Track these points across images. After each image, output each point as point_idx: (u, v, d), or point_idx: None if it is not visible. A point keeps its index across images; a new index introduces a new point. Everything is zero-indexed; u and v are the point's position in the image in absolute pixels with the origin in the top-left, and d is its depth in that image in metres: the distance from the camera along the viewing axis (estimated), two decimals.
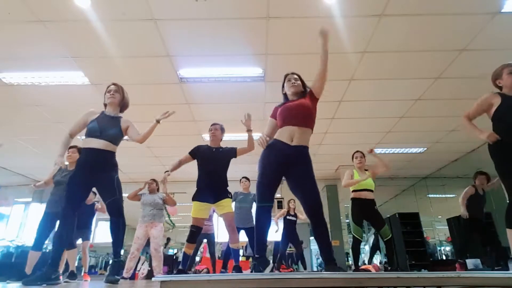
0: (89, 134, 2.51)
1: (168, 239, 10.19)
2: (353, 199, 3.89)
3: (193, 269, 6.42)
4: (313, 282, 1.35)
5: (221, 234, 7.54)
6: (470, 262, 4.85)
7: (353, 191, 3.91)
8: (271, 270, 2.10)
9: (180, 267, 3.33)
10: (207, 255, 7.07)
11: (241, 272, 3.51)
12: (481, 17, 3.27)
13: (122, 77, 4.18)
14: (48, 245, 6.12)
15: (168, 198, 4.63)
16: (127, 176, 8.21)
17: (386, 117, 5.47)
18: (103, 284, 2.40)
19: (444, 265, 6.95)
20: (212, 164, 3.18)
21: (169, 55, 3.83)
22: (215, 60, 3.94)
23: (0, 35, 3.43)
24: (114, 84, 2.72)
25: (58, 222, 3.44)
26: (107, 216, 2.62)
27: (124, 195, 4.52)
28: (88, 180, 2.46)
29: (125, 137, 2.75)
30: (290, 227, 5.88)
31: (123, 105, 2.75)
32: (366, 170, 4.01)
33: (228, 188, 3.26)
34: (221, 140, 3.42)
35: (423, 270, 6.47)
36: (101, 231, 8.87)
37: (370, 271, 4.26)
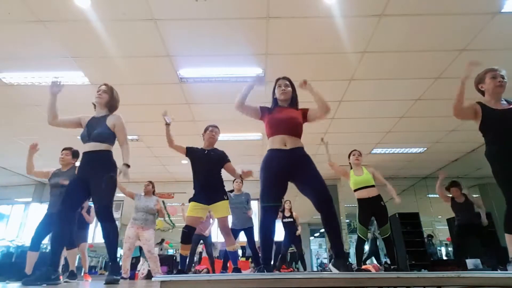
0: (82, 141, 2.58)
1: (162, 240, 10.17)
2: (359, 200, 3.87)
3: (193, 269, 6.42)
4: (313, 282, 1.35)
5: (220, 234, 7.54)
6: (470, 262, 4.85)
7: (355, 190, 3.90)
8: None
9: (179, 267, 3.32)
10: (206, 254, 7.07)
11: (241, 273, 3.51)
12: (481, 17, 3.27)
13: (122, 77, 4.19)
14: (47, 245, 6.12)
15: (160, 210, 4.65)
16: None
17: (386, 117, 5.47)
18: (104, 284, 2.39)
19: (444, 265, 6.95)
20: (205, 166, 3.18)
21: (169, 55, 3.83)
22: (215, 60, 3.94)
23: (0, 35, 3.43)
24: (105, 84, 2.71)
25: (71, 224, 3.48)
26: None
27: (123, 195, 4.55)
28: (84, 183, 2.46)
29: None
30: (290, 228, 5.88)
31: (111, 106, 2.71)
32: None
33: (224, 188, 3.25)
34: (215, 142, 3.41)
35: (423, 270, 6.47)
36: (101, 231, 8.86)
37: (370, 271, 4.26)
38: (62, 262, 4.06)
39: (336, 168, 3.90)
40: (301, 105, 2.49)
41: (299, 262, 6.57)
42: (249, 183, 5.20)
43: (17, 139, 6.08)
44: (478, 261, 4.94)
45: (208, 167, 3.17)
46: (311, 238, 15.93)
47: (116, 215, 8.42)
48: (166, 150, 7.10)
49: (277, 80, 2.50)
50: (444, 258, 10.56)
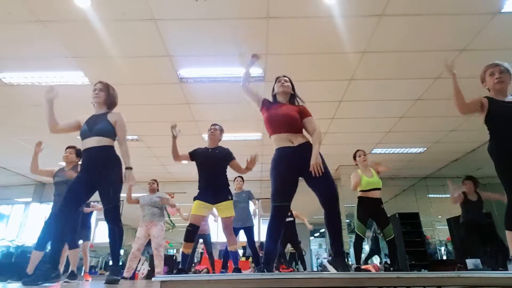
0: (82, 137, 2.53)
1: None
2: (360, 198, 3.87)
3: (193, 269, 6.43)
4: (313, 282, 1.35)
5: (219, 234, 7.55)
6: (470, 262, 4.84)
7: (361, 191, 3.88)
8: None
9: (180, 266, 3.33)
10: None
11: (241, 273, 3.51)
12: (481, 17, 3.27)
13: (122, 77, 4.19)
14: (49, 245, 6.11)
15: (166, 202, 4.64)
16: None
17: (386, 117, 5.47)
18: (104, 284, 2.39)
19: (444, 265, 6.95)
20: (210, 164, 3.18)
21: (169, 55, 3.83)
22: (215, 60, 3.94)
23: (0, 35, 3.43)
24: (100, 82, 2.68)
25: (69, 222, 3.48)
26: None
27: (124, 195, 4.55)
28: (89, 180, 2.43)
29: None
30: (288, 227, 5.86)
31: (110, 103, 2.68)
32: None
33: (229, 187, 3.25)
34: (219, 140, 3.41)
35: (423, 270, 6.47)
36: (101, 231, 8.87)
37: (370, 271, 4.26)
38: (64, 261, 4.07)
39: (356, 183, 3.88)
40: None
41: (299, 262, 6.57)
42: (247, 183, 5.20)
43: (17, 139, 6.08)
44: (478, 261, 4.93)
45: (212, 166, 3.17)
46: (311, 238, 15.92)
47: (120, 216, 8.41)
48: (166, 150, 7.10)
49: (277, 77, 2.53)
50: (444, 258, 10.56)
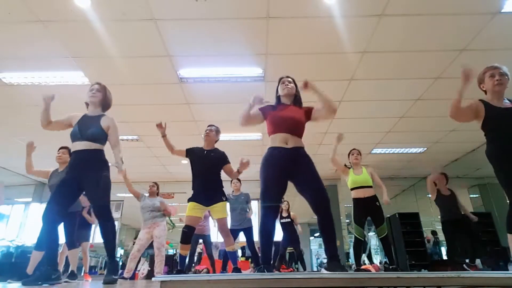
0: (72, 139, 2.52)
1: None
2: (355, 200, 3.88)
3: (193, 269, 6.43)
4: (313, 282, 1.35)
5: (219, 234, 7.54)
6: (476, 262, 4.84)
7: (352, 189, 3.90)
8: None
9: (178, 268, 3.33)
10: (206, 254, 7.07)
11: (241, 273, 3.51)
12: (481, 17, 3.27)
13: (122, 77, 4.19)
14: None
15: (166, 209, 4.65)
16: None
17: (386, 117, 5.47)
18: (102, 284, 2.38)
19: (444, 265, 6.94)
20: (204, 166, 3.17)
21: (169, 55, 3.83)
22: (215, 60, 3.94)
23: (0, 35, 3.43)
24: (97, 83, 2.70)
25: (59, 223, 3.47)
26: None
27: (124, 195, 4.55)
28: (75, 182, 2.43)
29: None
30: (287, 228, 5.87)
31: (104, 105, 2.69)
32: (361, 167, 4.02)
33: (223, 189, 3.24)
34: (216, 141, 3.39)
35: (423, 270, 6.47)
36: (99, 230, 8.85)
37: (370, 271, 4.26)
38: (63, 261, 4.07)
39: (338, 163, 3.84)
40: (305, 105, 2.47)
41: (299, 262, 6.57)
42: (246, 183, 5.21)
43: (17, 139, 6.08)
44: (478, 261, 4.93)
45: (206, 167, 3.17)
46: (311, 238, 15.93)
47: (116, 215, 8.42)
48: (166, 150, 7.10)
49: (281, 78, 2.50)
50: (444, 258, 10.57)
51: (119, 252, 13.13)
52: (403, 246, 7.15)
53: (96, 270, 11.17)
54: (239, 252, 8.61)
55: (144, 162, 7.39)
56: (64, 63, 3.89)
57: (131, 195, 4.65)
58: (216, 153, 3.29)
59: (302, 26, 3.39)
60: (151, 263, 5.93)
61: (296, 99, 2.44)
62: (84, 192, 2.54)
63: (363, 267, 4.58)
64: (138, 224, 4.61)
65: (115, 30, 3.40)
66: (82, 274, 4.84)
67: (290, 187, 2.23)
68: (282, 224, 5.94)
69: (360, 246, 3.88)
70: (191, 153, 3.28)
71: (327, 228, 2.08)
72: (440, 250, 7.38)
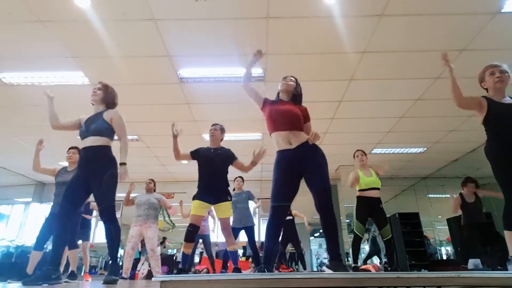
0: (81, 137, 2.56)
1: (164, 238, 10.17)
2: (359, 197, 3.89)
3: (193, 269, 6.43)
4: (313, 282, 1.35)
5: (218, 234, 7.54)
6: (470, 262, 4.84)
7: (360, 190, 3.90)
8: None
9: (180, 266, 3.33)
10: (206, 254, 7.07)
11: (241, 272, 3.51)
12: (481, 17, 3.27)
13: (122, 77, 4.19)
14: (48, 245, 6.13)
15: (164, 204, 4.64)
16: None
17: (386, 117, 5.47)
18: (102, 284, 2.38)
19: (444, 265, 6.95)
20: (211, 165, 3.17)
21: (169, 55, 3.83)
22: (215, 60, 3.94)
23: (0, 35, 3.43)
24: (99, 82, 2.72)
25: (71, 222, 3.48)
26: None
27: (124, 195, 4.55)
28: (85, 180, 2.44)
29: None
30: (289, 227, 5.86)
31: (107, 103, 2.69)
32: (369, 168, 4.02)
33: (228, 188, 3.25)
34: (221, 140, 3.40)
35: (423, 270, 6.47)
36: (101, 231, 8.86)
37: (370, 271, 4.26)
38: (64, 261, 4.07)
39: (354, 182, 3.90)
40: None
41: (299, 262, 6.57)
42: (247, 183, 5.21)
43: (17, 139, 6.08)
44: (478, 261, 4.92)
45: (213, 166, 3.16)
46: (311, 238, 15.93)
47: (116, 215, 8.40)
48: (166, 150, 7.14)
49: (285, 77, 2.51)
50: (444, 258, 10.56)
51: (119, 252, 13.14)
52: (403, 246, 7.15)
53: (96, 270, 11.17)
54: (239, 252, 8.61)
55: (144, 162, 7.39)
56: (64, 63, 3.89)
57: (131, 195, 4.64)
58: (223, 151, 3.29)
59: (302, 26, 3.39)
60: None
61: (295, 98, 2.44)
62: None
63: (363, 266, 4.58)
64: None
65: (115, 30, 3.40)
66: (82, 274, 4.85)
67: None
68: (285, 221, 5.93)
69: (359, 243, 3.88)
70: (197, 154, 3.28)
71: (330, 228, 2.09)
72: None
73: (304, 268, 6.33)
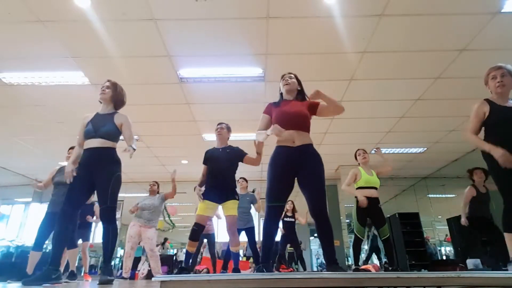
0: (86, 136, 2.52)
1: (165, 239, 10.18)
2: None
3: (193, 269, 6.43)
4: (313, 282, 1.35)
5: (221, 234, 7.55)
6: (470, 262, 4.84)
7: (358, 188, 3.90)
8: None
9: (183, 265, 3.32)
10: (206, 254, 7.07)
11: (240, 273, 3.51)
12: (481, 17, 3.27)
13: (122, 77, 4.18)
14: (48, 245, 6.13)
15: (168, 194, 4.61)
16: (127, 176, 8.21)
17: (386, 117, 5.47)
18: (97, 285, 2.38)
19: (444, 265, 6.95)
20: (218, 164, 3.17)
21: (169, 55, 3.83)
22: (215, 60, 3.94)
23: (0, 35, 3.43)
24: (108, 80, 2.68)
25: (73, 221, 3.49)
26: None
27: (124, 195, 4.55)
28: (88, 180, 2.44)
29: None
30: (289, 228, 5.88)
31: (116, 101, 2.67)
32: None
33: (236, 188, 3.25)
34: (228, 139, 3.39)
35: (423, 270, 6.47)
36: (101, 231, 8.86)
37: (370, 271, 4.26)
38: (65, 262, 4.07)
39: (351, 187, 3.94)
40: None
41: (299, 262, 6.58)
42: (252, 182, 5.22)
43: (17, 139, 6.08)
44: (478, 261, 4.93)
45: (220, 165, 3.16)
46: (311, 238, 15.91)
47: (116, 215, 8.40)
48: (166, 150, 7.14)
49: (282, 76, 2.47)
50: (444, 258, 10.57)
51: (119, 252, 13.13)
52: (403, 246, 7.15)
53: (96, 270, 11.17)
54: (241, 252, 8.61)
55: (144, 162, 7.39)
56: (64, 63, 3.89)
57: (131, 195, 4.65)
58: (232, 149, 3.28)
59: (302, 26, 3.39)
60: None
61: (299, 94, 2.41)
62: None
63: (363, 266, 4.58)
64: None
65: (115, 30, 3.40)
66: (82, 274, 4.85)
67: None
68: (284, 222, 5.94)
69: (360, 244, 3.89)
70: (206, 159, 3.29)
71: (325, 232, 2.08)
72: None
73: (304, 269, 6.33)
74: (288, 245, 6.52)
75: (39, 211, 8.62)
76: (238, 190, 4.80)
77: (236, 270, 3.40)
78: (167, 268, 6.86)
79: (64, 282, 3.65)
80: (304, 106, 2.30)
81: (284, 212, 6.07)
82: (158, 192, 4.74)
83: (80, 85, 4.32)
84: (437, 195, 9.45)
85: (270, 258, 2.17)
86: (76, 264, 4.14)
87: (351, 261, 8.32)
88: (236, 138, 6.07)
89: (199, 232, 3.11)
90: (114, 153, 2.55)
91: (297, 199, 5.43)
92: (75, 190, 2.42)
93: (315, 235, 16.57)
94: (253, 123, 5.87)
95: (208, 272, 5.87)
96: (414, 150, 6.99)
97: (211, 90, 4.56)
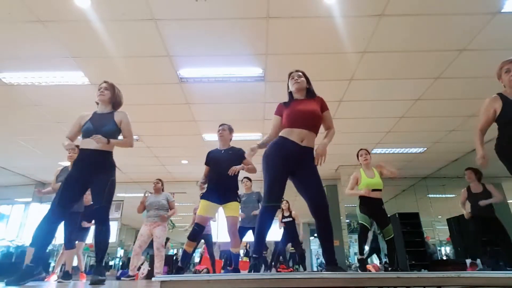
0: (85, 135, 2.51)
1: (167, 239, 10.18)
2: (361, 197, 3.86)
3: (193, 269, 6.44)
4: (313, 282, 1.35)
5: (220, 235, 7.55)
6: (469, 262, 4.83)
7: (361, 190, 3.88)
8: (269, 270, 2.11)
9: (179, 265, 3.32)
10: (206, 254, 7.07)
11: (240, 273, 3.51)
12: (481, 17, 3.27)
13: (122, 77, 4.19)
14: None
15: (172, 206, 4.67)
16: (127, 176, 8.21)
17: (386, 117, 5.47)
18: (89, 285, 2.37)
19: (444, 265, 6.95)
20: (220, 166, 3.17)
21: (169, 55, 3.83)
22: (215, 60, 3.94)
23: (0, 35, 3.43)
24: (105, 82, 2.69)
25: (61, 222, 3.48)
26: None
27: (124, 195, 4.56)
28: (83, 181, 2.43)
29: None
30: (288, 227, 5.88)
31: (114, 103, 2.68)
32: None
33: (238, 190, 3.25)
34: (230, 140, 3.39)
35: (423, 270, 6.47)
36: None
37: (370, 271, 4.25)
38: (62, 261, 4.07)
39: (352, 184, 3.92)
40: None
41: (300, 262, 6.58)
42: (254, 182, 5.22)
43: (17, 139, 6.08)
44: (478, 261, 4.92)
45: (221, 166, 3.15)
46: (311, 238, 15.92)
47: (116, 215, 8.41)
48: (166, 150, 7.14)
49: (290, 73, 2.44)
50: (444, 258, 10.57)
51: (119, 252, 13.13)
52: (403, 246, 7.15)
53: (93, 270, 11.18)
54: (241, 252, 8.61)
55: (144, 162, 7.39)
56: (64, 63, 3.89)
57: (131, 195, 4.66)
58: (234, 151, 3.28)
59: (302, 26, 3.38)
60: (151, 263, 5.93)
61: (309, 92, 2.39)
62: (87, 192, 2.56)
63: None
64: (138, 224, 4.61)
65: (115, 30, 3.40)
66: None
67: (290, 185, 2.22)
68: (284, 223, 5.94)
69: (366, 234, 3.85)
70: (208, 160, 3.30)
71: (325, 234, 2.08)
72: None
73: (304, 269, 6.33)
74: (289, 245, 6.52)
75: (39, 211, 8.62)
76: (242, 190, 4.83)
77: (236, 270, 3.40)
78: (167, 268, 6.86)
79: (58, 282, 3.66)
80: (315, 104, 2.28)
81: (281, 213, 6.09)
82: (162, 190, 4.75)
83: (80, 85, 4.32)
84: (437, 195, 9.45)
85: (262, 252, 2.19)
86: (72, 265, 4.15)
87: (351, 261, 8.33)
88: (236, 138, 6.07)
89: (200, 232, 3.13)
90: (110, 157, 2.56)
91: (297, 199, 5.44)
92: (67, 190, 2.40)
93: (315, 235, 16.59)
94: (253, 123, 5.89)
95: (208, 272, 5.88)
96: (414, 150, 6.99)
97: (211, 90, 4.56)
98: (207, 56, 3.86)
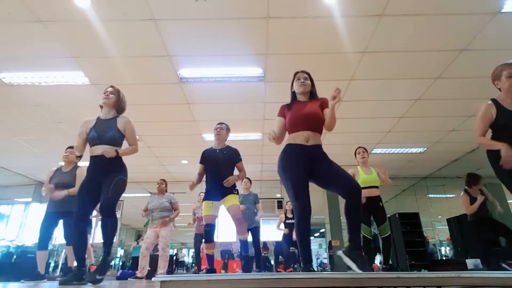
0: (91, 143, 2.57)
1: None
2: None
3: (192, 269, 6.43)
4: (313, 282, 1.35)
5: (220, 235, 7.54)
6: (470, 262, 4.83)
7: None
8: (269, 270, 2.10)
9: (208, 267, 3.36)
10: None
11: (251, 263, 3.54)
12: (481, 17, 3.27)
13: (122, 77, 4.19)
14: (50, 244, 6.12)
15: (176, 207, 4.69)
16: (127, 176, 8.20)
17: (386, 117, 5.47)
18: (85, 282, 2.40)
19: (444, 265, 6.95)
20: (216, 165, 3.22)
21: (169, 55, 3.83)
22: (215, 60, 3.94)
23: (0, 35, 3.43)
24: (111, 86, 2.73)
25: (60, 221, 3.48)
26: None
27: (124, 195, 4.55)
28: (96, 187, 2.49)
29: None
30: (292, 229, 5.88)
31: (118, 107, 2.71)
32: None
33: (235, 187, 3.29)
34: (226, 139, 3.42)
35: (423, 270, 6.47)
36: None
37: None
38: (62, 260, 4.09)
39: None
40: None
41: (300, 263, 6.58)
42: (257, 182, 5.22)
43: (17, 139, 6.08)
44: (478, 261, 4.92)
45: (217, 166, 3.20)
46: (311, 238, 15.92)
47: (115, 211, 8.40)
48: (166, 150, 7.14)
49: (296, 73, 2.44)
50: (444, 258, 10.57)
51: (119, 252, 13.13)
52: (403, 246, 7.15)
53: None
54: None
55: (144, 162, 7.39)
56: (64, 63, 3.89)
57: (131, 195, 4.68)
58: (229, 151, 3.32)
59: (302, 26, 3.39)
60: (151, 263, 5.94)
61: (312, 95, 2.39)
62: None
63: None
64: (138, 224, 4.63)
65: (115, 30, 3.40)
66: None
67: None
68: (287, 224, 5.94)
69: (370, 245, 3.87)
70: (203, 159, 3.33)
71: (355, 216, 2.07)
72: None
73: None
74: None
75: (39, 211, 8.61)
76: (241, 190, 4.83)
77: (246, 258, 3.47)
78: (168, 268, 6.86)
79: (58, 278, 3.68)
80: (317, 105, 2.29)
81: (284, 214, 6.09)
82: (166, 191, 4.75)
83: (80, 85, 4.32)
84: (437, 195, 9.45)
85: (311, 256, 2.16)
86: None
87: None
88: (236, 138, 6.08)
89: (212, 232, 3.18)
90: (120, 158, 2.61)
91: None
92: (84, 197, 2.49)
93: (315, 235, 16.58)
94: (253, 123, 5.89)
95: (208, 272, 5.88)
96: (414, 150, 6.99)
97: (211, 90, 4.56)
98: (207, 56, 3.86)
